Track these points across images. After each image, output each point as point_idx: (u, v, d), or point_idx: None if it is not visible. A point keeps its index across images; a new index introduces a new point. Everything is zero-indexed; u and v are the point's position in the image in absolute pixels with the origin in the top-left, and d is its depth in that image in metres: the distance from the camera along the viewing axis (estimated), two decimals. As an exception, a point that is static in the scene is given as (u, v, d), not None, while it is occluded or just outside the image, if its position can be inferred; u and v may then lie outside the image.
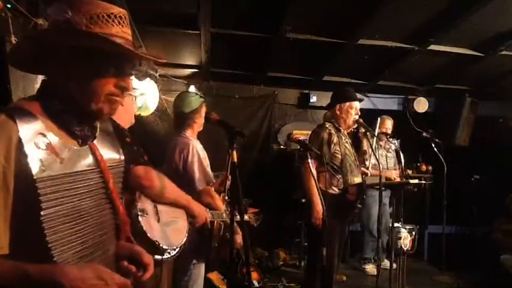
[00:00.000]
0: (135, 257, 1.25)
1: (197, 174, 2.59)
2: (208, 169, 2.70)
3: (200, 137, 2.99)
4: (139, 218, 1.80)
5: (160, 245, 1.80)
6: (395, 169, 4.75)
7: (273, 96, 5.82)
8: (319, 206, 3.26)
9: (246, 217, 2.92)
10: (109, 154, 1.22)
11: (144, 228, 1.77)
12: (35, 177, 0.96)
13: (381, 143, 4.83)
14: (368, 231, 4.89)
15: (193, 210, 1.99)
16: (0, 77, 2.52)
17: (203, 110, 2.79)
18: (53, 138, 1.03)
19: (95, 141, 1.17)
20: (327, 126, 3.47)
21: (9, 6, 2.50)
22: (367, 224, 4.87)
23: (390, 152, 4.86)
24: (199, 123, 2.79)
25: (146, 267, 1.24)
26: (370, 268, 4.87)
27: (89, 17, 1.04)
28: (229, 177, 2.90)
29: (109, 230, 1.19)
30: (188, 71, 5.25)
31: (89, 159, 1.13)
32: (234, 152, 1.83)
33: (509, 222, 4.92)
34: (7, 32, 2.49)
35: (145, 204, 1.88)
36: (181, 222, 2.11)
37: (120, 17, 1.08)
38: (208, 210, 2.39)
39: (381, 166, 4.65)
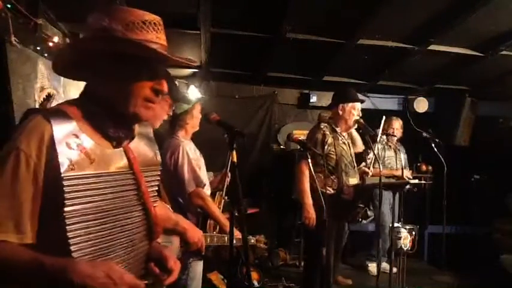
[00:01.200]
0: (161, 260, 1.29)
1: (187, 175, 2.61)
2: (200, 171, 2.70)
3: (200, 137, 3.00)
4: None
5: None
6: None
7: (273, 96, 5.82)
8: (309, 207, 3.28)
9: (253, 241, 2.92)
10: (145, 157, 1.27)
11: None
12: (62, 175, 1.01)
13: (390, 143, 4.82)
14: (381, 230, 4.82)
15: (187, 238, 1.96)
16: (0, 77, 2.52)
17: (196, 111, 2.80)
18: (86, 139, 1.09)
19: (131, 144, 1.22)
20: (322, 127, 3.49)
21: (9, 6, 2.50)
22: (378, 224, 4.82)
23: (400, 153, 4.83)
24: (191, 124, 2.80)
25: (169, 272, 1.28)
26: (373, 267, 4.81)
27: (125, 24, 1.09)
28: (229, 174, 2.92)
29: (139, 231, 1.23)
30: (188, 71, 5.25)
31: (122, 161, 1.18)
32: (234, 152, 1.83)
33: (509, 222, 4.92)
34: (7, 32, 2.49)
35: None
36: (172, 247, 2.11)
37: (154, 23, 1.13)
38: (207, 234, 2.36)
39: (389, 167, 4.67)
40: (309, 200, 3.30)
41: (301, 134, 3.86)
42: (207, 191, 2.80)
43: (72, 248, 1.03)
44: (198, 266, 2.70)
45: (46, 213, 1.03)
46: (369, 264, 4.90)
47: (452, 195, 4.84)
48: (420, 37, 3.86)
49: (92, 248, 1.08)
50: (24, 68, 2.72)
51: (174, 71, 5.21)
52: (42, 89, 2.93)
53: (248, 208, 4.61)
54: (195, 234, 2.01)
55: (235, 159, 1.82)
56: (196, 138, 3.01)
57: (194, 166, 2.65)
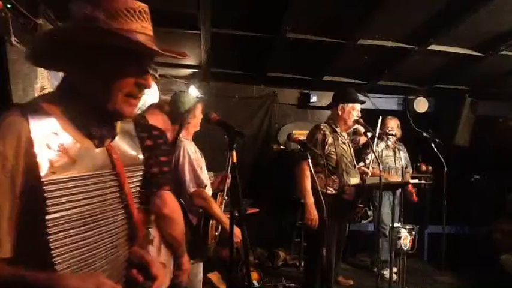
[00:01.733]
0: (144, 266, 1.19)
1: (187, 176, 2.60)
2: (201, 171, 2.69)
3: (200, 137, 2.99)
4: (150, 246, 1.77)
5: None
6: (407, 171, 4.74)
7: (273, 96, 5.82)
8: (311, 208, 3.28)
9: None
10: (127, 156, 1.17)
11: None
12: (42, 179, 0.92)
13: (389, 143, 4.81)
14: (381, 232, 4.75)
15: (181, 262, 1.91)
16: (0, 77, 2.52)
17: (198, 111, 2.79)
18: (67, 138, 0.99)
19: (113, 143, 1.12)
20: (322, 127, 3.49)
21: (9, 6, 2.50)
22: (377, 224, 4.79)
23: (398, 153, 4.83)
24: (193, 123, 2.80)
25: (154, 278, 1.18)
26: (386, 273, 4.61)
27: (108, 12, 0.99)
28: (229, 176, 2.91)
29: (121, 236, 1.14)
30: (188, 71, 5.25)
31: (105, 161, 1.08)
32: (234, 152, 1.83)
33: (509, 222, 4.92)
34: (7, 32, 2.49)
35: (155, 232, 1.81)
36: (168, 269, 2.04)
37: (140, 11, 1.03)
38: None
39: (387, 166, 4.66)
40: (311, 200, 3.30)
41: (301, 134, 3.86)
42: (208, 191, 2.79)
43: (55, 260, 0.95)
44: (197, 268, 2.69)
45: (25, 222, 0.92)
46: (385, 272, 4.75)
47: (452, 195, 4.84)
48: (420, 37, 3.86)
49: (76, 259, 1.00)
50: (24, 68, 2.72)
51: (174, 71, 5.22)
52: (42, 89, 2.94)
53: (248, 208, 4.61)
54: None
55: (235, 160, 1.82)
56: (197, 138, 3.01)
57: (195, 166, 2.65)
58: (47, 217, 0.93)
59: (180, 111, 2.78)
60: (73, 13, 1.02)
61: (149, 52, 1.05)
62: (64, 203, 0.96)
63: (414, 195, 4.88)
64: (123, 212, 1.14)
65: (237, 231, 2.50)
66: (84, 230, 1.02)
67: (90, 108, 1.04)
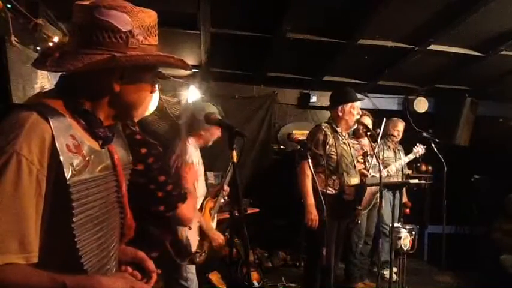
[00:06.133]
0: (138, 262, 1.22)
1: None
2: (196, 182, 2.64)
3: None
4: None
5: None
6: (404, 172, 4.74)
7: (273, 96, 5.81)
8: (311, 208, 3.28)
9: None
10: (122, 157, 1.18)
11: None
12: (68, 182, 0.92)
13: (390, 144, 4.80)
14: (381, 232, 4.77)
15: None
16: (0, 77, 2.53)
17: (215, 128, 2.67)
18: (80, 139, 0.99)
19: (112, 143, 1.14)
20: (323, 127, 3.48)
21: (9, 6, 2.50)
22: (377, 224, 4.78)
23: (399, 154, 4.81)
24: (206, 136, 2.68)
25: (150, 274, 1.21)
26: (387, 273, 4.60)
27: (146, 29, 1.02)
28: (225, 187, 2.91)
29: (118, 235, 1.17)
30: (188, 71, 5.25)
31: (108, 163, 1.09)
32: (234, 152, 1.82)
33: (509, 222, 4.91)
34: (7, 32, 2.49)
35: None
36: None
37: (155, 24, 1.07)
38: None
39: (388, 168, 4.65)
40: (311, 200, 3.30)
41: (301, 134, 3.86)
42: (200, 198, 2.72)
43: (83, 261, 0.97)
44: (193, 268, 2.67)
45: (50, 225, 0.92)
46: (386, 273, 4.75)
47: (452, 195, 4.84)
48: (420, 37, 3.86)
49: (98, 258, 1.03)
50: (24, 68, 2.72)
51: (173, 71, 5.21)
52: (42, 89, 2.94)
53: (248, 208, 4.61)
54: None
55: (235, 159, 1.82)
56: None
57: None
58: (74, 219, 0.94)
59: (196, 119, 2.60)
60: (116, 26, 0.98)
61: (178, 66, 1.13)
62: (84, 204, 0.98)
63: (408, 209, 4.84)
64: (119, 211, 1.17)
65: (218, 236, 2.65)
66: (97, 230, 1.04)
67: (95, 108, 1.05)
